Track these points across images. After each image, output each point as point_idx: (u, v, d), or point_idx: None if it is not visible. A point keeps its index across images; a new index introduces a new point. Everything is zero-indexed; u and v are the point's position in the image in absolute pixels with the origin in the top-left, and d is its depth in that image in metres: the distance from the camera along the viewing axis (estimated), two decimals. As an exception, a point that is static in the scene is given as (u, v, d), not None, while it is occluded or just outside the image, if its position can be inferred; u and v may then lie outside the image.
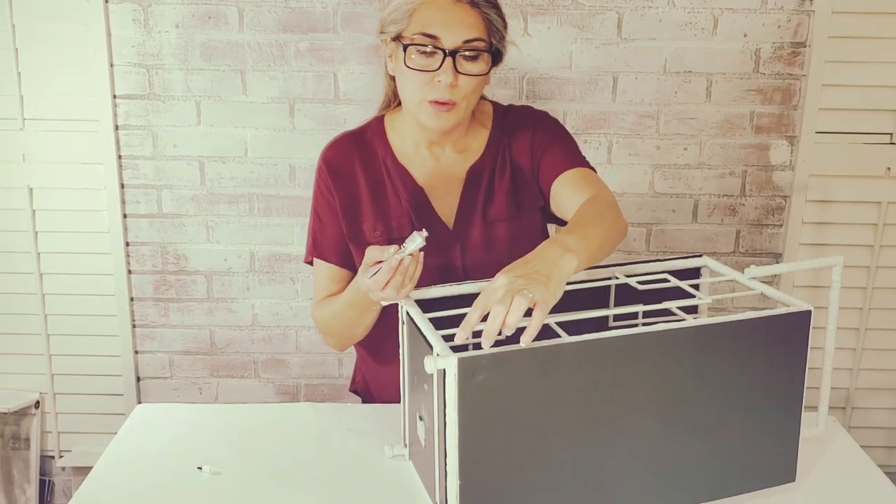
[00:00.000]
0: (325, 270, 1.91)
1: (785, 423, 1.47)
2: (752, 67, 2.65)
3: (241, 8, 2.61)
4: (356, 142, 1.89)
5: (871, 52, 2.63)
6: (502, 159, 1.87)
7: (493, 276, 1.36)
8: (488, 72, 1.75)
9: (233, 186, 2.76)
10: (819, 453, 1.64)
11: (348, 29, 2.63)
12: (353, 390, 2.14)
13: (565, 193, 1.78)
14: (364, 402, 2.09)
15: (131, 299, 2.86)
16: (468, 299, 1.54)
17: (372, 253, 1.53)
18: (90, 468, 1.61)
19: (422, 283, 1.57)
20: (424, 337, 1.37)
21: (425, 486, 1.49)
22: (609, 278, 1.65)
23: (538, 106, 1.94)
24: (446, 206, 1.86)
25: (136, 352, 2.91)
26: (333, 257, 1.89)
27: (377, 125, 1.90)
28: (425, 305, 1.50)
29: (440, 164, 1.86)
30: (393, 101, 1.89)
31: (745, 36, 2.62)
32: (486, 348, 1.26)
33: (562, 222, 1.87)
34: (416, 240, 1.47)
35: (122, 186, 2.76)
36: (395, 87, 1.82)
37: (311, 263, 1.96)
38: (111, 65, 2.67)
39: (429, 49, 1.68)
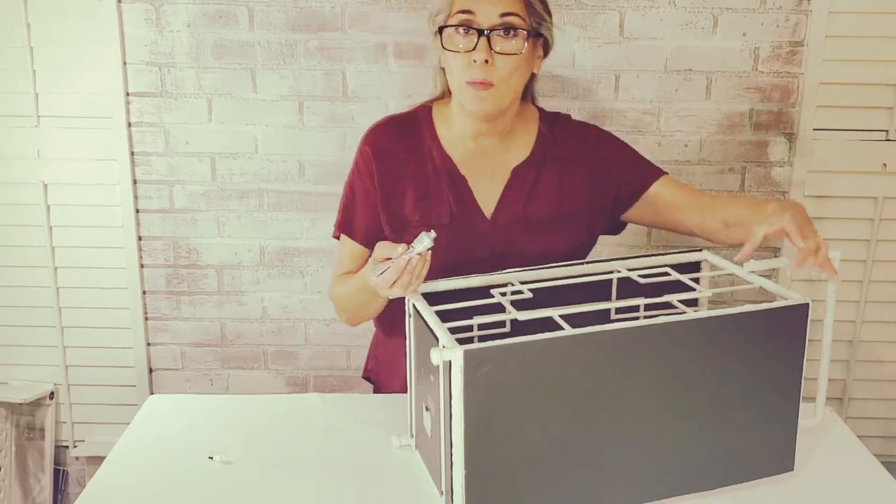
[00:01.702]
0: (350, 248, 1.91)
1: (783, 413, 1.48)
2: (751, 66, 2.64)
3: (251, 8, 2.61)
4: (401, 126, 1.89)
5: (868, 50, 2.62)
6: (550, 164, 1.87)
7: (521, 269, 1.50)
8: (534, 59, 1.78)
9: (243, 182, 2.76)
10: (817, 443, 1.64)
11: (356, 28, 2.62)
12: (366, 377, 2.14)
13: (672, 196, 1.88)
14: (375, 389, 2.09)
15: (144, 292, 2.86)
16: (474, 293, 1.55)
17: (381, 250, 1.52)
18: (104, 458, 1.61)
19: (451, 271, 1.62)
20: (431, 329, 1.37)
21: (431, 476, 1.49)
22: (611, 272, 1.65)
23: (544, 104, 1.96)
24: (487, 199, 1.85)
25: (149, 344, 2.92)
26: (360, 236, 1.89)
27: (424, 113, 1.90)
28: (432, 298, 1.50)
29: (485, 156, 1.86)
30: (446, 94, 1.88)
31: (744, 35, 2.62)
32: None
33: (612, 229, 2.00)
34: (424, 240, 1.47)
35: (135, 182, 2.76)
36: (447, 80, 1.82)
37: (338, 238, 1.95)
38: (124, 63, 2.67)
39: (464, 29, 1.70)
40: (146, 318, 2.89)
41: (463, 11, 1.69)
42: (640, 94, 2.67)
